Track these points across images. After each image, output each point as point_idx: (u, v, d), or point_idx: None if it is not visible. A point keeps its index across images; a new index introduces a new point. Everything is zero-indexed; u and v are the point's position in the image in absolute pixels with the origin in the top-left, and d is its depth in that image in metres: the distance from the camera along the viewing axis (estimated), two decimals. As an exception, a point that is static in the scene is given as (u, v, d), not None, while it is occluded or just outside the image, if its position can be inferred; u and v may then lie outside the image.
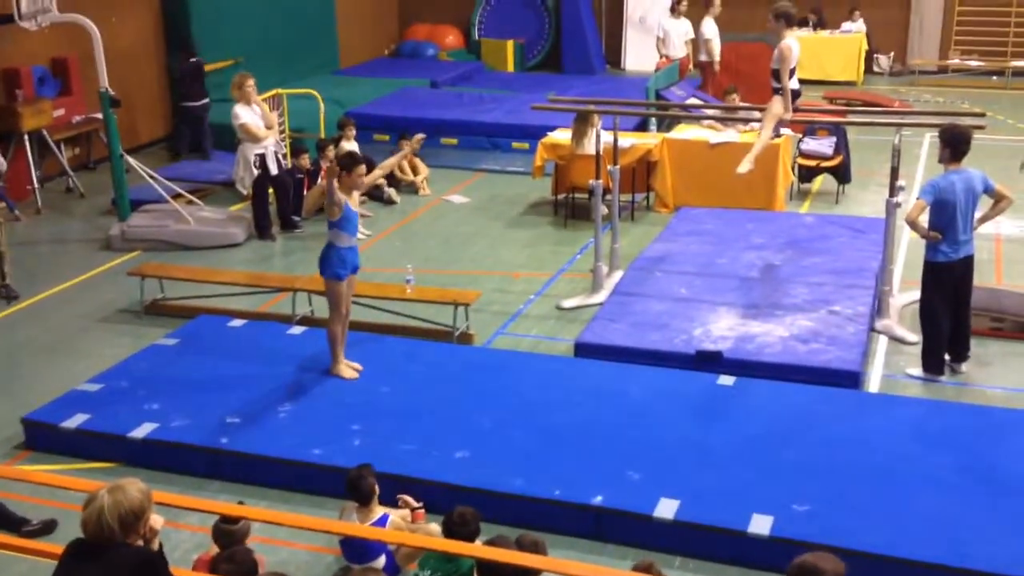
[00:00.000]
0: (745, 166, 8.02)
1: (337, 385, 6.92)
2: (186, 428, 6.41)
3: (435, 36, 19.34)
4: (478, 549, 4.29)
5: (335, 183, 6.56)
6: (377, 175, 7.49)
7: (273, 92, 11.82)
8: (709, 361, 7.13)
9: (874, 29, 18.42)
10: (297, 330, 7.84)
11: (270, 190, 10.50)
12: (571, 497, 5.62)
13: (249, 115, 10.13)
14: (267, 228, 10.44)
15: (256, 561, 4.34)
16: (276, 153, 10.40)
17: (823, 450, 6.02)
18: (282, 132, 11.58)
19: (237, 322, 7.98)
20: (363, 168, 6.84)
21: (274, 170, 10.32)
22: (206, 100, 13.17)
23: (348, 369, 7.03)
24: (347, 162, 6.83)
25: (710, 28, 14.77)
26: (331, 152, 11.13)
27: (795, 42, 7.87)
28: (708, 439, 6.16)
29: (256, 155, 10.17)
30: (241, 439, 6.28)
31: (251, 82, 10.22)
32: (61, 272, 9.72)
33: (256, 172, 10.20)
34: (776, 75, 7.96)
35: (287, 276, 9.01)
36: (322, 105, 12.37)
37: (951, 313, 7.20)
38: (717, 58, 14.84)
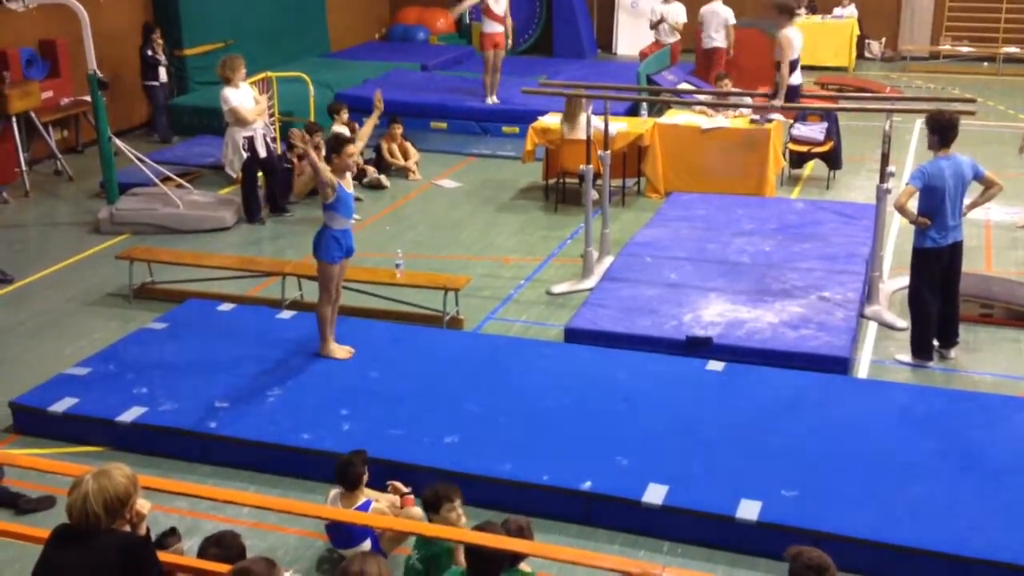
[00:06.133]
0: None
1: (326, 370, 6.90)
2: (174, 412, 6.39)
3: (425, 20, 19.24)
4: (464, 534, 4.29)
5: (320, 164, 6.54)
6: (360, 147, 7.28)
7: (262, 75, 11.76)
8: (699, 347, 7.13)
9: (865, 14, 18.39)
10: (286, 314, 7.82)
11: (259, 173, 10.45)
12: (560, 482, 5.63)
13: (238, 98, 10.07)
14: (256, 212, 10.39)
15: (244, 546, 4.33)
16: (265, 136, 10.34)
17: (812, 436, 6.03)
18: (271, 115, 11.52)
19: (226, 306, 7.95)
20: (351, 148, 6.78)
21: (263, 153, 10.27)
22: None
23: (340, 350, 7.03)
24: (334, 144, 6.78)
25: (708, 9, 14.48)
26: (318, 137, 11.07)
27: (797, 33, 7.72)
28: (697, 425, 6.17)
29: (244, 138, 10.12)
30: (230, 423, 6.26)
31: (241, 64, 10.16)
32: (49, 255, 9.67)
33: (245, 155, 10.15)
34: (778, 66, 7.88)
35: (276, 260, 8.99)
36: (311, 88, 12.30)
37: (940, 299, 7.21)
38: (719, 44, 14.54)
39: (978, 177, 7.12)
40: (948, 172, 6.98)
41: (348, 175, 6.84)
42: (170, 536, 4.53)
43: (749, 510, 5.32)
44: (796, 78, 7.88)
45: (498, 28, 13.47)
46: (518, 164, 11.81)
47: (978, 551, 5.02)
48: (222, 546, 4.33)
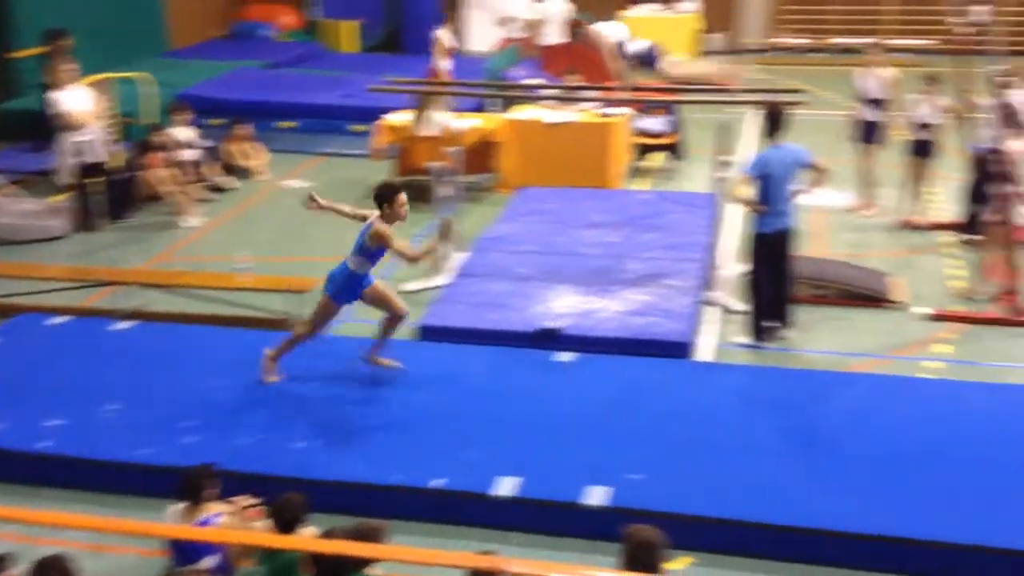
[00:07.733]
0: None
1: (167, 381, 6.67)
2: (4, 432, 6.05)
3: (271, 16, 18.79)
4: (300, 541, 4.21)
5: (384, 226, 6.22)
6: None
7: (101, 76, 11.24)
8: (548, 339, 7.22)
9: (706, 8, 18.97)
10: (124, 325, 7.51)
11: (95, 180, 9.99)
12: (411, 481, 5.61)
13: (67, 101, 9.61)
14: (91, 219, 9.94)
15: (72, 570, 4.12)
16: (98, 141, 9.89)
17: (657, 420, 6.19)
18: (111, 118, 11.04)
19: (58, 319, 7.58)
20: (404, 196, 6.29)
21: (97, 158, 9.83)
22: None
23: (273, 374, 6.69)
24: (386, 193, 6.27)
25: (555, 9, 14.68)
26: (157, 139, 10.68)
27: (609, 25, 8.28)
28: (546, 415, 6.24)
29: (77, 143, 9.65)
30: (65, 442, 5.98)
31: (68, 66, 9.71)
32: None
33: (77, 161, 9.69)
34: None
35: (113, 269, 8.62)
36: (153, 90, 11.84)
37: (774, 282, 7.50)
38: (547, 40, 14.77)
39: (807, 164, 7.44)
40: (780, 160, 7.27)
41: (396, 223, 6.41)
42: (2, 562, 4.30)
43: (597, 496, 5.42)
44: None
45: None
46: (369, 162, 11.69)
47: (819, 522, 5.24)
48: (50, 571, 4.11)
